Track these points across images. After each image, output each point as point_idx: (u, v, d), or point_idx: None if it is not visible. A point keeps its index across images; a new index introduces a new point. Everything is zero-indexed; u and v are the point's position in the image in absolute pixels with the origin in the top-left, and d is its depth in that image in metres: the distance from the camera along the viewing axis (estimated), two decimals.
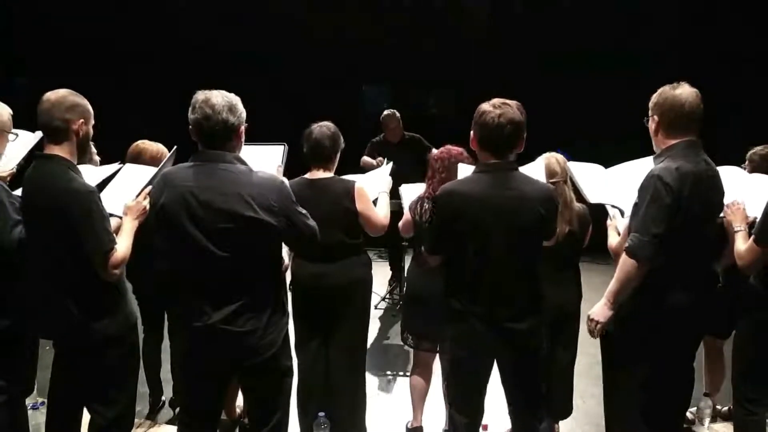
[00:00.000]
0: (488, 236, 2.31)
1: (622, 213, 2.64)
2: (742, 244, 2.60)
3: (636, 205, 2.39)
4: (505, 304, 2.36)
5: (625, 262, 2.36)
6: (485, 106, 2.34)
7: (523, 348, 2.42)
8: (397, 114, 5.55)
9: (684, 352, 2.54)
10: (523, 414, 2.55)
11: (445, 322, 2.51)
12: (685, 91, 2.40)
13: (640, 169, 2.53)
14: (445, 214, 2.37)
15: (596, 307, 2.47)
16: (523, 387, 2.51)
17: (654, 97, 2.48)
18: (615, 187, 2.74)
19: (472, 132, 2.40)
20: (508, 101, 2.34)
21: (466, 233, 2.33)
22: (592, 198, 2.82)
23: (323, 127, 2.96)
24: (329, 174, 2.97)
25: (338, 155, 3.01)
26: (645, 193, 2.35)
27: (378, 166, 5.40)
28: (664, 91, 2.44)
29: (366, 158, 5.49)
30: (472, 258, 2.34)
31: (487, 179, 2.34)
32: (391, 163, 3.47)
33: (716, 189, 2.46)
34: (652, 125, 2.49)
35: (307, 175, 2.98)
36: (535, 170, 2.71)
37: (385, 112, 5.59)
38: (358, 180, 3.03)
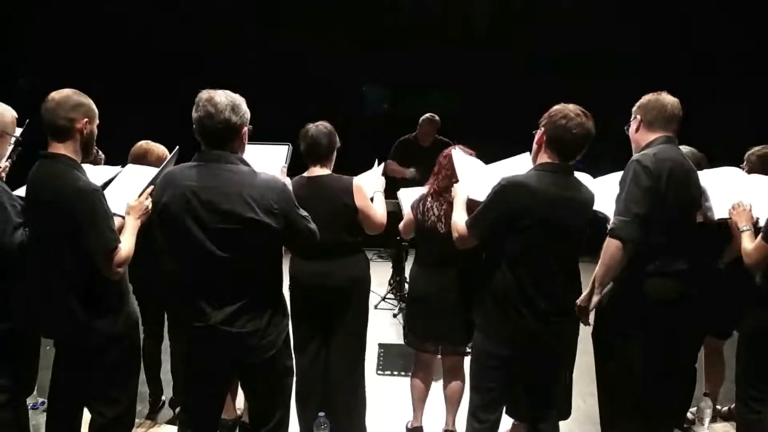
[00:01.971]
0: (546, 233, 2.37)
1: (607, 219, 2.69)
2: (749, 243, 2.65)
3: (619, 194, 2.50)
4: (550, 301, 2.43)
5: (609, 244, 2.45)
6: (566, 111, 2.40)
7: (558, 343, 2.52)
8: (436, 118, 5.54)
9: (674, 343, 2.58)
10: (546, 413, 2.61)
11: (482, 317, 2.55)
12: (668, 96, 2.62)
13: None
14: (509, 205, 2.39)
15: (583, 294, 2.55)
16: (548, 384, 2.59)
17: (638, 103, 2.67)
18: (602, 194, 2.78)
19: (542, 128, 2.45)
20: (585, 111, 2.41)
21: (525, 227, 2.37)
22: None
23: (319, 126, 2.99)
24: (327, 171, 3.00)
25: (335, 153, 3.03)
26: (625, 178, 2.48)
27: (410, 176, 5.41)
28: (648, 96, 2.65)
29: (393, 165, 5.47)
30: (526, 253, 2.39)
31: (550, 178, 2.41)
32: (383, 164, 3.50)
33: (693, 183, 2.58)
34: (633, 125, 2.66)
35: (305, 174, 3.01)
36: (521, 163, 2.73)
37: (426, 116, 5.59)
38: (354, 179, 3.05)
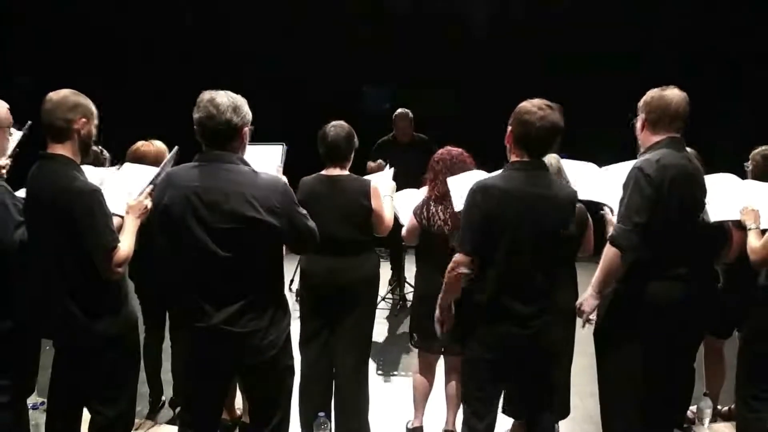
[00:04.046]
0: (522, 234, 2.33)
1: (611, 210, 2.70)
2: (755, 240, 2.66)
3: (621, 199, 2.47)
4: (532, 302, 2.39)
5: (608, 251, 2.43)
6: (528, 106, 2.35)
7: (542, 345, 2.46)
8: (410, 114, 5.43)
9: (675, 346, 2.58)
10: (538, 413, 2.58)
11: (465, 321, 2.50)
12: (673, 92, 2.54)
13: (629, 169, 2.58)
14: (482, 208, 2.34)
15: (583, 297, 2.54)
16: (538, 385, 2.55)
17: (642, 99, 2.60)
18: (606, 185, 2.78)
19: (509, 128, 2.41)
20: (551, 104, 2.36)
21: (503, 229, 2.33)
22: (582, 195, 2.86)
23: (337, 128, 3.02)
24: (345, 172, 3.04)
25: (353, 153, 3.07)
26: (627, 184, 2.45)
27: (379, 168, 5.35)
28: (653, 92, 2.58)
29: (370, 163, 5.38)
30: (506, 255, 2.34)
31: (521, 177, 2.36)
32: (393, 169, 3.52)
33: (698, 185, 2.54)
34: (638, 123, 2.61)
35: (324, 172, 3.05)
36: None
37: (398, 111, 5.47)
38: (371, 181, 3.08)
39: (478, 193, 2.36)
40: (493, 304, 2.38)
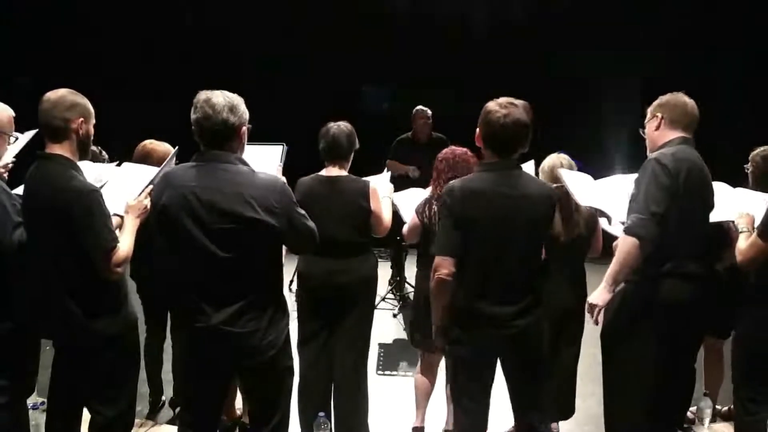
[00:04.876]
0: (495, 234, 2.31)
1: (609, 220, 2.68)
2: (744, 242, 2.65)
3: (633, 194, 2.46)
4: (509, 303, 2.36)
5: (625, 242, 2.40)
6: (491, 105, 2.35)
7: (526, 345, 2.43)
8: (429, 112, 5.44)
9: (680, 346, 2.57)
10: (527, 412, 2.54)
11: (448, 321, 2.48)
12: (686, 97, 2.60)
13: (628, 182, 2.59)
14: (454, 212, 2.33)
15: (595, 291, 2.51)
16: (526, 385, 2.51)
17: (656, 102, 2.63)
18: (603, 194, 2.78)
19: (477, 129, 2.40)
20: (515, 101, 2.34)
21: (473, 231, 2.32)
22: (582, 201, 2.86)
23: (340, 126, 3.03)
24: (344, 172, 3.03)
25: (352, 154, 3.08)
26: (642, 176, 2.45)
27: (411, 174, 5.28)
28: (667, 96, 2.62)
29: (394, 164, 5.31)
30: (478, 257, 2.33)
31: (492, 178, 2.35)
32: (390, 172, 3.55)
33: (708, 185, 2.57)
34: (654, 123, 2.61)
35: (323, 172, 3.04)
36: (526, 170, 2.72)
37: (417, 108, 5.48)
38: (370, 182, 3.08)
39: (446, 195, 2.37)
40: (472, 306, 2.36)
